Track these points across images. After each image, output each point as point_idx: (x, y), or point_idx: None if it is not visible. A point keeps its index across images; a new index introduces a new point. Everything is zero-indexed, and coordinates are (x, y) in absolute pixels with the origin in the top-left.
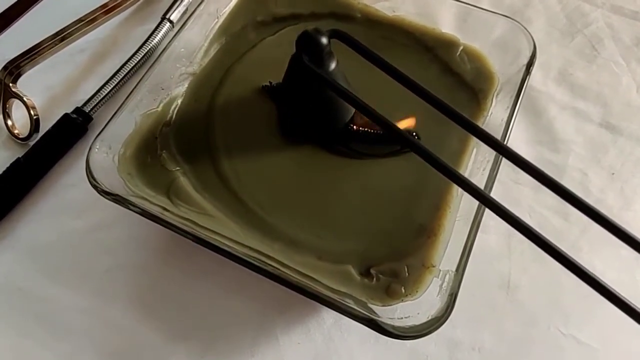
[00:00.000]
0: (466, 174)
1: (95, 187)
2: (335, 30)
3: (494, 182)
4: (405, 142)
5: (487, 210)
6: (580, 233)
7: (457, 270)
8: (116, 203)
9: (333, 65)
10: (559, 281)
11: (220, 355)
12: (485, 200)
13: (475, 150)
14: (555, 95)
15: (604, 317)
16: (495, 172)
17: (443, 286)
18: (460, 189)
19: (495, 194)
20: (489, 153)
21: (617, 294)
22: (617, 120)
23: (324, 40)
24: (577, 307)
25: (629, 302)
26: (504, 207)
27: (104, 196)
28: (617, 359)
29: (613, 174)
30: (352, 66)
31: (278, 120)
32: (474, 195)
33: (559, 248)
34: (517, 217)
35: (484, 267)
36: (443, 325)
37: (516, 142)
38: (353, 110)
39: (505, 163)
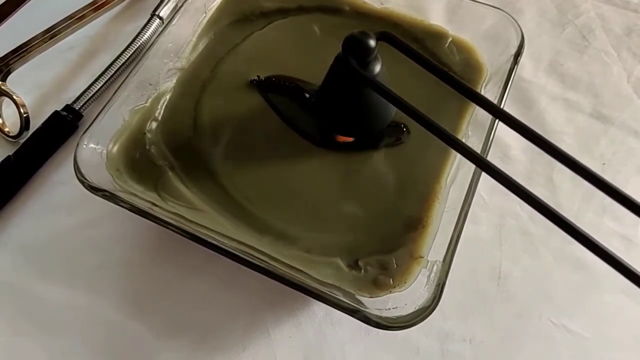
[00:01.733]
0: (456, 161)
1: (82, 182)
2: (383, 32)
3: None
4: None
5: (477, 201)
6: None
7: (444, 260)
8: (104, 199)
9: (378, 68)
10: (550, 272)
11: (211, 349)
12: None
13: (463, 140)
14: (546, 86)
15: (595, 306)
16: (485, 154)
17: (431, 277)
18: (448, 180)
19: (487, 186)
20: (477, 143)
21: (616, 257)
22: (608, 110)
23: (372, 42)
24: (568, 298)
25: (630, 267)
26: (505, 173)
27: (91, 192)
28: (607, 347)
29: (604, 164)
30: None
31: (315, 125)
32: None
33: (558, 211)
34: (518, 182)
35: (475, 258)
36: (434, 317)
37: (507, 132)
38: (393, 112)
39: (494, 154)
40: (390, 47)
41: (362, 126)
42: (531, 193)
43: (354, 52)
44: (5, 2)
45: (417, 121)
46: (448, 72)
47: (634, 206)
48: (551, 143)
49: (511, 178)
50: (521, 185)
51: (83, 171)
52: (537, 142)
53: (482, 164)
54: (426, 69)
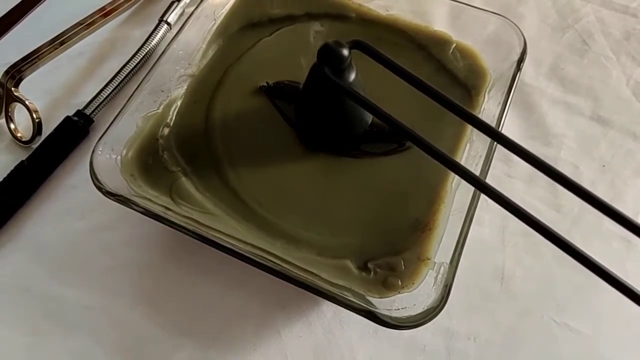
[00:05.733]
0: None
1: (99, 188)
2: (356, 41)
3: (487, 174)
4: (424, 148)
5: (481, 204)
6: (572, 224)
7: (451, 262)
8: (120, 203)
9: (353, 76)
10: (552, 272)
11: (223, 349)
12: (484, 187)
13: (468, 146)
14: (547, 90)
15: (596, 305)
16: (487, 165)
17: (438, 278)
18: (454, 185)
19: None
20: (481, 148)
21: (610, 272)
22: (607, 114)
23: (345, 52)
24: (570, 297)
25: (622, 281)
26: (500, 192)
27: (108, 197)
28: (608, 345)
29: (604, 166)
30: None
31: (295, 130)
32: (476, 185)
33: (552, 229)
34: (512, 201)
35: (479, 260)
36: (439, 316)
37: (510, 136)
38: (370, 117)
39: (497, 157)
40: (399, 52)
41: (339, 132)
42: (526, 211)
43: (329, 61)
44: (14, 9)
45: (390, 126)
46: (422, 80)
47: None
48: (552, 167)
49: (501, 193)
50: (510, 199)
51: (99, 177)
52: (533, 162)
53: (456, 168)
54: (400, 77)
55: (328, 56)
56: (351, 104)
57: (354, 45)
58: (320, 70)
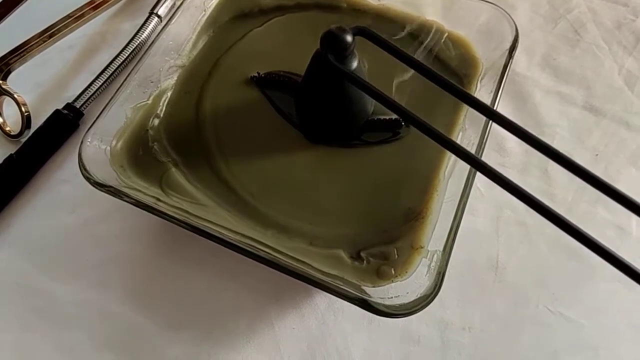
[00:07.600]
0: (452, 156)
1: (88, 179)
2: (359, 27)
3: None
4: (428, 133)
5: (474, 194)
6: (566, 213)
7: (444, 249)
8: (110, 194)
9: (355, 64)
10: (546, 261)
11: (216, 342)
12: (482, 167)
13: (460, 134)
14: (540, 80)
15: (590, 294)
16: (481, 152)
17: (431, 266)
18: (446, 173)
19: (484, 179)
20: (474, 137)
21: (607, 249)
22: (600, 103)
23: (349, 38)
24: (564, 286)
25: (620, 258)
26: (498, 171)
27: (97, 188)
28: (603, 334)
29: (597, 155)
30: None
31: (286, 120)
32: (475, 165)
33: (551, 208)
34: (510, 180)
35: (473, 250)
36: (434, 307)
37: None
38: (372, 107)
39: (491, 147)
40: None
41: (341, 121)
42: (524, 190)
43: (332, 47)
44: (2, 2)
45: (395, 112)
46: (424, 64)
47: (628, 202)
48: (544, 142)
49: (499, 173)
50: (511, 181)
51: (88, 168)
52: (525, 138)
53: (464, 155)
54: (405, 63)
55: (331, 42)
56: (354, 93)
57: (358, 31)
58: (323, 57)
